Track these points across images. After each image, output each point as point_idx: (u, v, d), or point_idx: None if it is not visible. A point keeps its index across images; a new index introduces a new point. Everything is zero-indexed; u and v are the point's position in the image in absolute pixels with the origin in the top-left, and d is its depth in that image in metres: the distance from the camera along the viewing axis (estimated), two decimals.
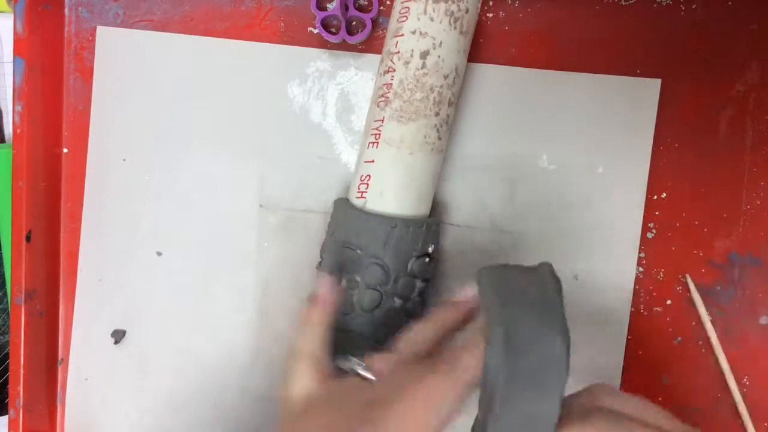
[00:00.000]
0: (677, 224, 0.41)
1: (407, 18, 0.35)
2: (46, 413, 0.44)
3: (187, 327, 0.44)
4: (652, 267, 0.42)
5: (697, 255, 0.42)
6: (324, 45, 0.42)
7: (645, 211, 0.41)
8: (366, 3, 0.42)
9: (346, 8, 0.41)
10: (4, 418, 0.44)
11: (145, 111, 0.43)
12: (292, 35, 0.42)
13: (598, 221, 0.41)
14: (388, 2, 0.42)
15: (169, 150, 0.43)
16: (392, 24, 0.35)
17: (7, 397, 0.43)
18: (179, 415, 0.44)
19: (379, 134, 0.35)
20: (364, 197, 0.35)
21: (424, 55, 0.35)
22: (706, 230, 0.41)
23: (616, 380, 0.41)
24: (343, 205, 0.37)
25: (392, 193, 0.36)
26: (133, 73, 0.43)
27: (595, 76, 0.41)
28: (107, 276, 0.44)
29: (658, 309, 0.42)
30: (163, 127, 0.43)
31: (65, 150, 0.44)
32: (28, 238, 0.42)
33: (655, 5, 0.41)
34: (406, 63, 0.35)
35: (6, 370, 0.45)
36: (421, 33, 0.35)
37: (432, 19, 0.34)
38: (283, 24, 0.42)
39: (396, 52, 0.35)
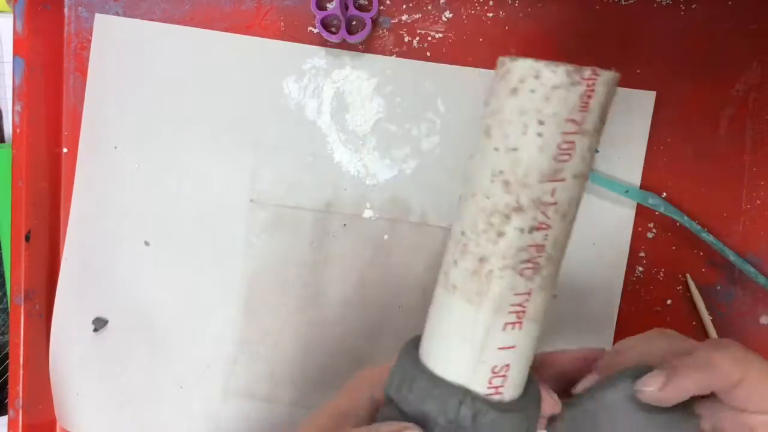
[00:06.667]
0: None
1: (571, 157, 0.24)
2: (45, 413, 0.44)
3: (170, 320, 0.44)
4: (652, 267, 0.42)
5: (697, 255, 0.42)
6: (324, 44, 0.42)
7: (645, 211, 0.41)
8: (366, 2, 0.42)
9: (346, 7, 0.41)
10: (4, 418, 0.44)
11: (140, 100, 0.43)
12: (292, 35, 0.42)
13: (588, 231, 0.41)
14: (388, 2, 0.42)
15: (162, 140, 0.43)
16: (540, 161, 0.24)
17: (6, 397, 0.43)
18: (158, 410, 0.44)
19: (524, 312, 0.25)
20: (501, 393, 0.26)
21: (578, 202, 0.25)
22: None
23: None
24: (472, 407, 0.25)
25: (524, 376, 0.27)
26: (129, 61, 0.43)
27: None
28: (93, 263, 0.44)
29: (658, 309, 0.42)
30: (156, 116, 0.43)
31: (65, 150, 0.44)
32: (27, 238, 0.42)
33: (655, 5, 0.41)
34: (564, 216, 0.25)
35: (6, 370, 0.45)
36: (583, 176, 0.25)
37: (592, 154, 0.25)
38: (283, 23, 0.42)
39: (552, 203, 0.24)
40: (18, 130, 0.41)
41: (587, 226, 0.41)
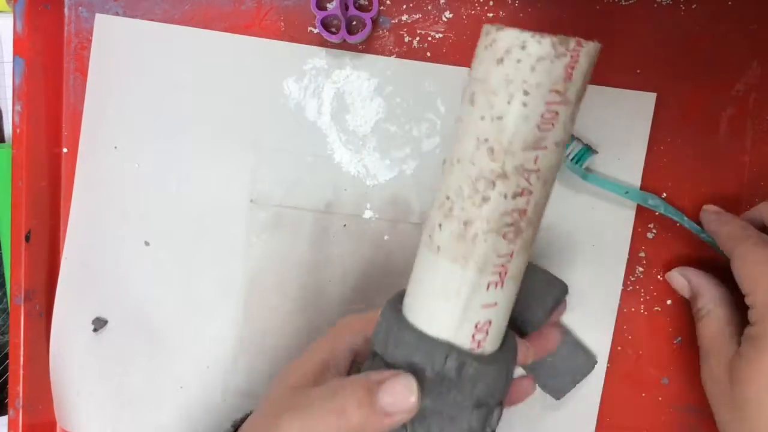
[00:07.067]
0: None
1: (554, 126, 0.25)
2: (45, 413, 0.44)
3: (170, 320, 0.43)
4: (652, 267, 0.42)
5: (697, 255, 0.42)
6: (324, 45, 0.42)
7: (645, 211, 0.41)
8: (366, 2, 0.42)
9: (346, 8, 0.41)
10: (4, 418, 0.44)
11: (140, 100, 0.43)
12: (292, 35, 0.42)
13: (587, 232, 0.41)
14: (388, 2, 0.42)
15: (162, 140, 0.43)
16: (525, 130, 0.24)
17: (6, 397, 0.43)
18: (158, 410, 0.44)
19: (506, 272, 0.26)
20: (482, 346, 0.27)
21: (557, 168, 0.26)
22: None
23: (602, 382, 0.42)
24: (457, 360, 0.27)
25: (502, 330, 0.29)
26: (129, 61, 0.43)
27: (589, 86, 0.41)
28: (93, 263, 0.44)
29: (658, 309, 0.42)
30: (156, 116, 0.43)
31: (65, 150, 0.44)
32: (27, 238, 0.42)
33: (655, 5, 0.41)
34: (545, 182, 0.26)
35: (6, 370, 0.45)
36: (563, 143, 0.26)
37: (573, 122, 0.26)
38: (283, 24, 0.42)
39: (535, 170, 0.25)
40: (18, 130, 0.41)
41: (587, 226, 0.41)
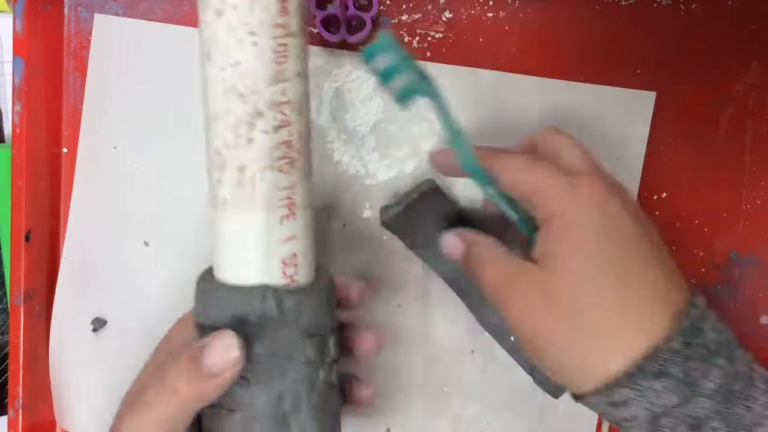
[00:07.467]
0: (677, 224, 0.41)
1: (287, 58, 0.27)
2: (45, 413, 0.44)
3: (170, 320, 0.43)
4: None
5: (697, 255, 0.42)
6: (324, 44, 0.42)
7: (645, 207, 0.41)
8: (366, 2, 0.42)
9: (346, 7, 0.41)
10: (4, 418, 0.44)
11: (140, 100, 0.43)
12: None
13: None
14: (388, 2, 0.42)
15: (162, 140, 0.43)
16: (262, 67, 0.26)
17: (6, 397, 0.43)
18: None
19: (293, 203, 0.28)
20: (296, 280, 0.28)
21: (307, 99, 0.28)
22: (706, 230, 0.41)
23: None
24: (274, 298, 0.27)
25: (311, 261, 0.30)
26: (129, 61, 0.43)
27: (589, 86, 0.41)
28: (93, 263, 0.44)
29: None
30: (156, 116, 0.43)
31: (65, 150, 0.44)
32: (27, 238, 0.42)
33: (655, 5, 0.41)
34: (300, 112, 0.28)
35: (6, 370, 0.45)
36: (304, 74, 0.28)
37: (306, 54, 0.28)
38: None
39: (286, 102, 0.27)
40: (18, 130, 0.41)
41: None
